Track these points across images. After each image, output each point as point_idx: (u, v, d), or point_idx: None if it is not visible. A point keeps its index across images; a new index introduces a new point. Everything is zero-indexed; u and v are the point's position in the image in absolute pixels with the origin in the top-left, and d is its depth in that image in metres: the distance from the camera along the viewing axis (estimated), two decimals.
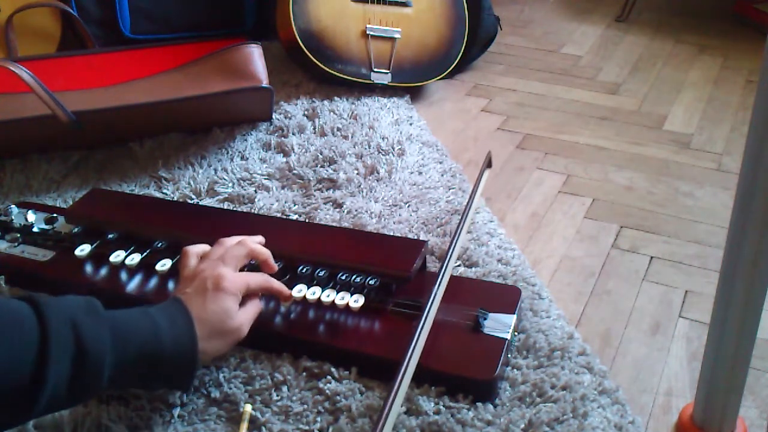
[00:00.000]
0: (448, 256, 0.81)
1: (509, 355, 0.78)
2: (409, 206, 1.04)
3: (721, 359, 0.66)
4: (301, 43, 1.32)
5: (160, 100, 1.11)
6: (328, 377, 0.75)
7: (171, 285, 0.84)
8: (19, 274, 0.88)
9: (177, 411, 0.72)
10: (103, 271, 0.86)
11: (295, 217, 1.02)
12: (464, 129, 1.31)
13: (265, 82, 1.17)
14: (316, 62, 1.32)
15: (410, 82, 1.37)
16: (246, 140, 1.20)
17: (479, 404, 0.72)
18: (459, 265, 0.92)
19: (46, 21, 1.41)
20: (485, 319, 0.78)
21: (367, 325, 0.78)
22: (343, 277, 0.82)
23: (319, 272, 0.82)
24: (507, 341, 0.75)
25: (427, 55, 1.39)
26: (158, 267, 0.84)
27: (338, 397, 0.73)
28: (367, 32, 1.35)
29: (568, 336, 0.81)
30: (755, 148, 0.57)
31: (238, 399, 0.73)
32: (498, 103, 1.41)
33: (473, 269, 0.91)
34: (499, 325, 0.77)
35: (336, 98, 1.33)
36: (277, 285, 0.78)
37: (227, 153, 1.16)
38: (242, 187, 1.08)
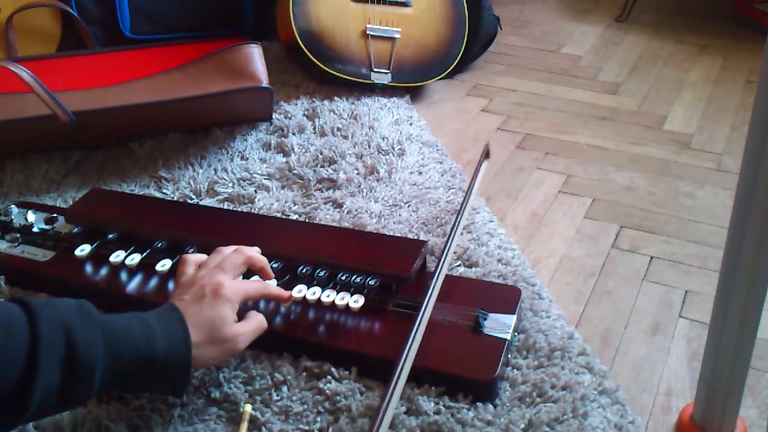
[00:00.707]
0: (451, 238, 0.80)
1: (509, 356, 0.78)
2: (409, 206, 1.04)
3: (721, 359, 0.66)
4: (301, 43, 1.32)
5: (160, 100, 1.11)
6: (328, 377, 0.75)
7: (171, 285, 0.84)
8: (19, 274, 0.88)
9: (177, 411, 0.72)
10: (103, 271, 0.86)
11: (295, 217, 1.02)
12: (464, 129, 1.31)
13: (265, 82, 1.17)
14: (316, 62, 1.32)
15: (410, 82, 1.37)
16: (246, 140, 1.20)
17: (479, 404, 0.72)
18: (459, 265, 0.92)
19: (46, 21, 1.41)
20: (485, 319, 0.78)
21: (367, 326, 0.78)
22: (343, 278, 0.82)
23: (319, 272, 0.82)
24: (507, 341, 0.76)
25: (427, 55, 1.39)
26: (158, 267, 0.84)
27: (338, 397, 0.73)
28: (367, 32, 1.35)
29: (568, 336, 0.81)
30: (755, 148, 0.57)
31: (238, 399, 0.73)
32: (498, 103, 1.41)
33: (473, 269, 0.91)
34: (499, 325, 0.77)
35: (336, 98, 1.33)
36: (276, 291, 0.77)
37: (227, 153, 1.16)
38: (242, 187, 1.08)
